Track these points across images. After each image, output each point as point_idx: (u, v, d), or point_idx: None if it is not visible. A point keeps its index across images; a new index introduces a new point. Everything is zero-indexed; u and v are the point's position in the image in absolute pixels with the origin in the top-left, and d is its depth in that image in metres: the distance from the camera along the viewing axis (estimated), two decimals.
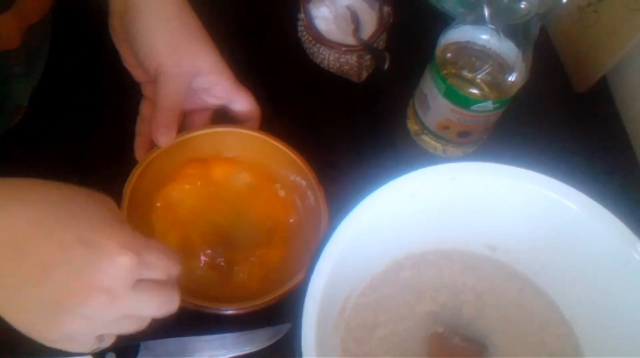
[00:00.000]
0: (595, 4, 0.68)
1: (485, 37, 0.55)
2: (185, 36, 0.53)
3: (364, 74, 0.68)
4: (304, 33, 0.69)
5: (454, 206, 0.52)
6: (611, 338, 0.48)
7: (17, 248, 0.34)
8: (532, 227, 0.52)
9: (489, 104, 0.56)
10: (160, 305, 0.38)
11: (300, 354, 0.41)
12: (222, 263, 0.53)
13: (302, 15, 0.68)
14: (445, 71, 0.56)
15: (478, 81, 0.56)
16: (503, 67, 0.55)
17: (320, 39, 0.66)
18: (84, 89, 0.63)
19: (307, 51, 0.69)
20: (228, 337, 0.52)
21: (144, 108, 0.56)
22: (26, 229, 0.34)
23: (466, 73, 0.56)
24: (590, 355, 0.50)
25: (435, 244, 0.54)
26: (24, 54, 0.53)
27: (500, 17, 0.53)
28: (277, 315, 0.51)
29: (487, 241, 0.54)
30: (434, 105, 0.59)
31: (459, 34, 0.56)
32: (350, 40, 0.67)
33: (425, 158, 0.64)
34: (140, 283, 0.36)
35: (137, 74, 0.56)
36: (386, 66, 0.63)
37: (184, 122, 0.56)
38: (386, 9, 0.68)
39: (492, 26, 0.53)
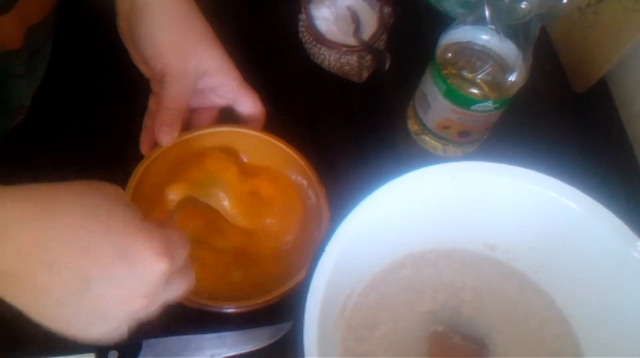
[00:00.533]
0: (594, 4, 0.68)
1: (485, 37, 0.55)
2: (191, 37, 0.53)
3: (365, 74, 0.69)
4: (305, 33, 0.69)
5: (453, 205, 0.52)
6: (610, 337, 0.49)
7: (54, 265, 0.34)
8: (531, 226, 0.52)
9: (489, 104, 0.56)
10: (185, 287, 0.40)
11: (302, 353, 0.41)
12: (223, 262, 0.53)
13: (303, 16, 0.68)
14: (445, 71, 0.57)
15: (478, 81, 0.56)
16: (503, 68, 0.56)
17: (321, 39, 0.66)
18: (85, 89, 0.63)
19: (308, 51, 0.70)
20: (229, 336, 0.52)
21: (152, 104, 0.56)
22: (62, 248, 0.34)
23: (466, 73, 0.56)
24: (590, 354, 0.50)
25: (435, 243, 0.55)
26: (26, 55, 0.53)
27: (501, 18, 0.53)
28: (278, 313, 0.52)
29: (486, 241, 0.55)
30: (434, 105, 0.59)
31: (460, 34, 0.56)
32: (351, 40, 0.67)
33: (426, 158, 0.64)
34: (170, 277, 0.38)
35: (145, 71, 0.56)
36: (387, 66, 0.64)
37: (190, 119, 0.57)
38: (386, 9, 0.68)
39: (493, 26, 0.54)
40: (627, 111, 0.71)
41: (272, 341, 0.52)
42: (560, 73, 0.73)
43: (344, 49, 0.66)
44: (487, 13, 0.53)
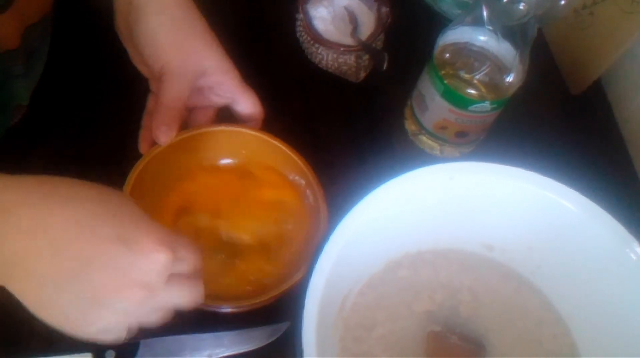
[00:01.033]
0: (590, 6, 0.69)
1: (483, 38, 0.55)
2: (190, 36, 0.53)
3: (362, 74, 0.69)
4: (303, 33, 0.69)
5: (451, 206, 0.52)
6: (607, 337, 0.49)
7: (57, 245, 0.34)
8: (528, 226, 0.52)
9: (486, 105, 0.56)
10: (190, 296, 0.40)
11: (301, 353, 0.41)
12: (221, 262, 0.53)
13: (300, 16, 0.68)
14: (443, 72, 0.57)
15: (476, 81, 0.56)
16: (500, 69, 0.56)
17: (318, 39, 0.66)
18: (83, 88, 0.63)
19: (306, 51, 0.70)
20: (226, 336, 0.52)
21: (150, 102, 0.56)
22: (67, 227, 0.34)
23: (464, 74, 0.56)
24: (586, 354, 0.51)
25: (433, 243, 0.55)
26: (24, 54, 0.53)
27: (499, 19, 0.53)
28: (276, 313, 0.52)
29: (483, 241, 0.55)
30: (431, 105, 0.59)
31: (458, 35, 0.56)
32: (349, 40, 0.67)
33: (423, 158, 0.64)
34: (172, 277, 0.37)
35: (144, 70, 0.56)
36: (385, 66, 0.64)
37: (188, 118, 0.57)
38: (384, 9, 0.68)
39: (490, 28, 0.54)
40: (622, 112, 0.72)
41: (269, 341, 0.52)
42: (556, 74, 0.74)
43: (342, 48, 0.66)
44: (484, 14, 0.53)
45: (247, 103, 0.56)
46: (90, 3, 0.58)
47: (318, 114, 0.67)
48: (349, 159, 0.64)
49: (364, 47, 0.66)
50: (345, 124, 0.66)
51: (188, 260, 0.39)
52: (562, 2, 0.50)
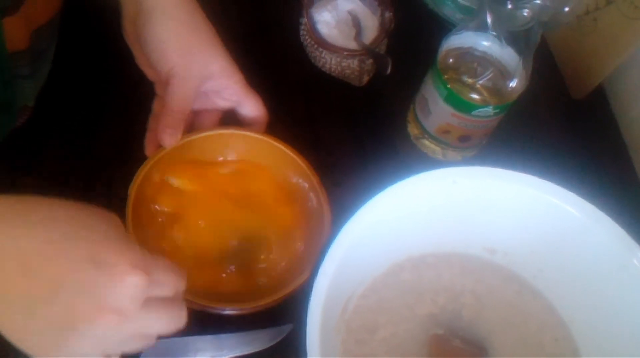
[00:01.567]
0: (593, 12, 0.69)
1: (486, 43, 0.55)
2: (197, 40, 0.53)
3: (365, 79, 0.69)
4: (306, 37, 0.69)
5: (453, 209, 0.52)
6: (609, 341, 0.49)
7: (26, 268, 0.33)
8: (531, 230, 0.52)
9: (489, 110, 0.57)
10: (169, 322, 0.37)
11: (304, 355, 0.41)
12: (224, 264, 0.54)
13: (304, 20, 0.68)
14: (446, 76, 0.57)
15: (479, 86, 0.57)
16: (504, 74, 0.56)
17: (322, 43, 0.67)
18: (89, 90, 0.63)
19: (309, 54, 0.70)
20: (230, 337, 0.52)
21: (156, 106, 0.56)
22: (36, 248, 0.33)
23: (467, 79, 0.57)
24: None
25: (435, 247, 0.55)
26: (32, 56, 0.53)
27: (502, 24, 0.53)
28: (279, 315, 0.52)
29: (486, 245, 0.55)
30: (434, 109, 0.59)
31: (461, 40, 0.57)
32: (352, 44, 0.68)
33: (425, 162, 0.65)
34: (149, 302, 0.35)
35: (150, 74, 0.57)
36: (388, 70, 0.64)
37: (193, 121, 0.57)
38: (387, 14, 0.69)
39: (494, 33, 0.54)
40: (624, 117, 0.72)
41: (272, 343, 0.52)
42: (559, 80, 0.74)
43: (345, 53, 0.66)
44: (489, 20, 0.53)
45: (251, 107, 0.57)
46: (97, 6, 0.59)
47: (321, 118, 0.67)
48: (351, 163, 0.64)
49: (368, 51, 0.66)
50: (349, 127, 0.67)
51: (167, 283, 0.37)
52: (566, 9, 0.50)
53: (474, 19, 0.55)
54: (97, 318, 0.33)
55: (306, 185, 0.56)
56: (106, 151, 0.60)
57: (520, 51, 0.54)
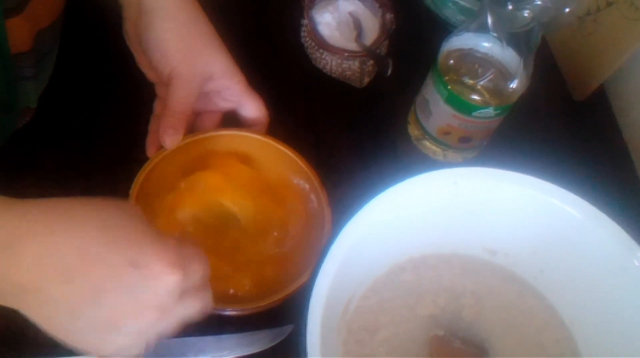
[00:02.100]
0: (594, 13, 0.69)
1: (487, 44, 0.56)
2: (199, 41, 0.54)
3: (366, 80, 0.69)
4: (307, 39, 0.69)
5: (454, 210, 0.52)
6: (610, 342, 0.49)
7: (67, 275, 0.34)
8: (531, 231, 0.52)
9: (490, 111, 0.57)
10: (202, 307, 0.40)
11: (305, 355, 0.41)
12: (225, 265, 0.54)
13: (305, 21, 0.68)
14: (447, 77, 0.57)
15: (480, 87, 0.57)
16: (504, 75, 0.56)
17: (323, 44, 0.67)
18: (90, 91, 0.63)
19: (310, 56, 0.70)
20: (231, 338, 0.52)
21: (157, 107, 0.57)
22: (75, 256, 0.34)
23: (468, 80, 0.57)
24: None
25: (436, 248, 0.55)
26: (35, 57, 0.53)
27: (503, 26, 0.53)
28: (280, 316, 0.52)
29: (486, 245, 0.55)
30: (435, 111, 0.60)
31: (462, 41, 0.57)
32: (353, 46, 0.68)
33: (426, 163, 0.65)
34: (184, 293, 0.37)
35: (150, 75, 0.57)
36: (389, 71, 0.64)
37: (194, 122, 0.57)
38: (388, 15, 0.69)
39: (495, 34, 0.54)
40: (625, 118, 0.72)
41: (273, 344, 0.52)
42: (560, 81, 0.74)
43: (346, 54, 0.67)
44: (489, 21, 0.54)
45: (252, 108, 0.57)
46: (98, 8, 0.59)
47: (322, 119, 0.67)
48: (352, 164, 0.64)
49: (368, 52, 0.66)
50: (349, 129, 0.67)
51: (198, 272, 0.39)
52: (567, 10, 0.50)
53: (474, 20, 0.55)
54: (139, 317, 0.36)
55: (307, 186, 0.56)
56: (107, 153, 0.60)
57: (521, 52, 0.55)
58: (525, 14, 0.51)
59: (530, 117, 0.68)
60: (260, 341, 0.52)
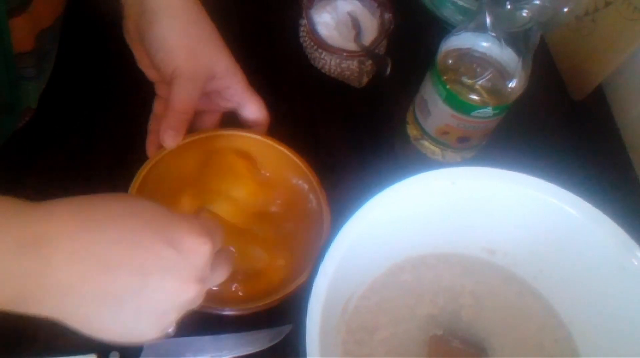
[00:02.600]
0: (592, 13, 0.69)
1: (486, 44, 0.56)
2: (201, 40, 0.53)
3: (365, 80, 0.69)
4: (306, 38, 0.69)
5: (453, 210, 0.52)
6: (609, 342, 0.49)
7: (108, 265, 0.34)
8: (530, 231, 0.53)
9: (489, 110, 0.57)
10: (227, 269, 0.42)
11: (304, 355, 0.41)
12: None
13: (304, 21, 0.68)
14: (446, 77, 0.57)
15: (478, 87, 0.57)
16: (503, 74, 0.56)
17: (321, 44, 0.67)
18: (90, 91, 0.63)
19: (309, 56, 0.70)
20: (229, 338, 0.52)
21: (157, 107, 0.57)
22: (112, 246, 0.35)
23: (467, 79, 0.57)
24: None
25: (435, 248, 0.55)
26: (36, 57, 0.53)
27: (502, 25, 0.53)
28: (278, 316, 0.52)
29: (485, 245, 0.55)
30: (434, 110, 0.60)
31: (461, 41, 0.57)
32: (352, 46, 0.68)
33: (424, 163, 0.65)
34: (214, 261, 0.39)
35: (150, 74, 0.57)
36: (388, 71, 0.64)
37: (194, 121, 0.57)
38: (387, 15, 0.69)
39: (493, 34, 0.54)
40: (623, 118, 0.72)
41: (272, 343, 0.52)
42: (558, 81, 0.74)
43: (345, 54, 0.67)
44: (487, 20, 0.53)
45: (253, 108, 0.57)
46: (98, 6, 0.59)
47: (321, 119, 0.67)
48: (351, 164, 0.64)
49: (367, 52, 0.66)
50: (348, 128, 0.67)
51: (220, 238, 0.40)
52: (565, 9, 0.50)
53: (473, 20, 0.55)
54: (185, 293, 0.37)
55: (306, 186, 0.56)
56: (107, 152, 0.60)
57: (519, 52, 0.55)
58: (524, 14, 0.51)
59: (529, 117, 0.68)
60: (259, 341, 0.52)
